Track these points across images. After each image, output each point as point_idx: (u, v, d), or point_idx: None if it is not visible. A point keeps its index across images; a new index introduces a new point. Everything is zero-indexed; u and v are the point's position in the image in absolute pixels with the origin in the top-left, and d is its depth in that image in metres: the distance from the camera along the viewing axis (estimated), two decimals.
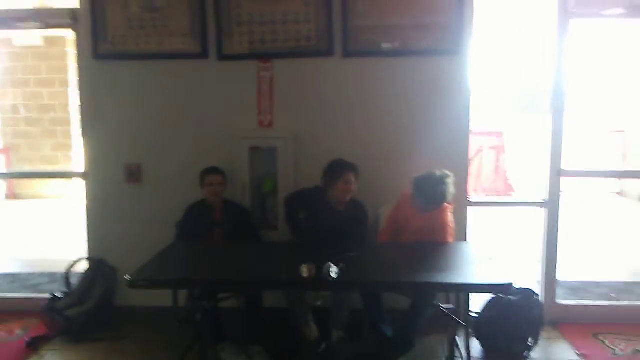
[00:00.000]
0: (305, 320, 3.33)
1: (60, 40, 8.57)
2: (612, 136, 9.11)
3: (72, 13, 3.75)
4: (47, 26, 4.00)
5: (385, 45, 3.64)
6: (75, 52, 3.88)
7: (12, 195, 8.86)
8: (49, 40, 8.60)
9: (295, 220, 3.46)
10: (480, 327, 3.46)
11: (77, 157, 8.85)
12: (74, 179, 7.83)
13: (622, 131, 8.99)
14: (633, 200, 8.35)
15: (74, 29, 3.82)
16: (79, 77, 3.89)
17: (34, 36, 8.40)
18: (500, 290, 2.70)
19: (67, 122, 8.88)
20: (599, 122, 9.12)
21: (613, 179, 8.45)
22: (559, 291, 3.90)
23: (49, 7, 3.99)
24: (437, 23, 3.60)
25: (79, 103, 3.91)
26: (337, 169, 3.34)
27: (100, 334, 3.63)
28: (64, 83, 8.75)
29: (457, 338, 3.20)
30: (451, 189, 3.19)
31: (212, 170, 3.51)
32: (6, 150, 8.84)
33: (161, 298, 3.00)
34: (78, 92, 3.91)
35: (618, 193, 8.74)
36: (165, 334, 3.22)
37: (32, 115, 8.89)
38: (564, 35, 3.60)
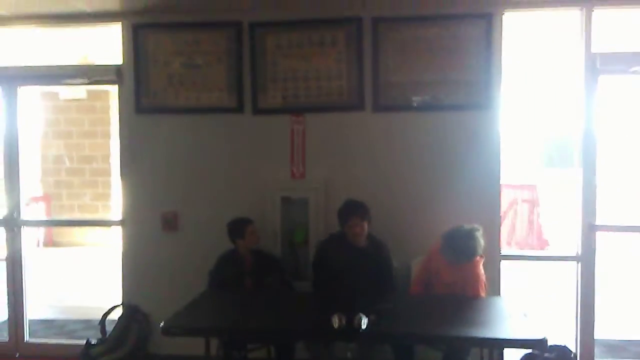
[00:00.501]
0: None
1: (104, 94, 8.96)
2: None
3: (117, 70, 3.98)
4: (93, 82, 4.22)
5: (415, 100, 3.74)
6: (118, 105, 4.08)
7: (51, 243, 9.09)
8: (92, 94, 8.99)
9: (320, 268, 3.50)
10: None
11: (115, 207, 9.10)
12: (112, 227, 8.15)
13: None
14: None
15: (118, 84, 4.04)
16: (121, 129, 4.08)
17: (79, 90, 8.79)
18: (535, 345, 2.63)
19: (107, 172, 9.18)
20: (634, 175, 8.96)
21: None
22: (596, 350, 3.79)
23: (95, 64, 4.21)
24: (466, 78, 3.69)
25: (119, 153, 4.08)
26: (343, 213, 3.44)
27: None
28: (106, 135, 9.09)
29: None
30: (481, 242, 3.20)
31: (249, 221, 3.58)
32: (46, 198, 9.14)
33: (193, 347, 3.06)
34: (119, 143, 4.08)
35: None
36: None
37: (74, 166, 9.22)
38: (592, 91, 3.65)
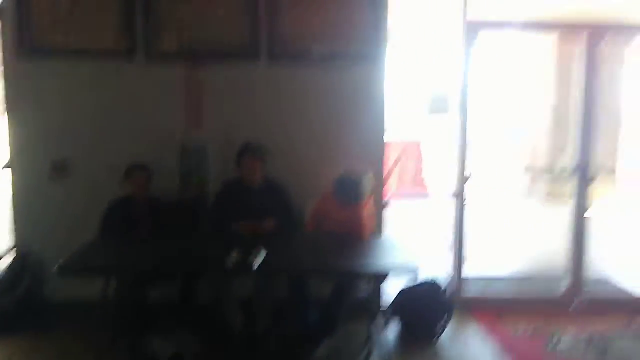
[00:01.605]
0: (230, 310, 3.49)
1: None
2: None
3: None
4: None
5: (307, 51, 3.91)
6: (1, 46, 3.86)
7: None
8: None
9: (218, 210, 3.67)
10: (394, 314, 3.81)
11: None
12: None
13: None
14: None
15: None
16: (5, 72, 3.88)
17: None
18: (407, 271, 3.01)
19: None
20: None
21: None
22: (466, 285, 4.30)
23: None
24: (354, 32, 3.90)
25: (4, 96, 3.91)
26: (238, 153, 3.64)
27: (28, 324, 3.68)
28: None
29: (375, 323, 3.50)
30: (368, 187, 3.52)
31: (139, 168, 3.64)
32: None
33: (90, 291, 3.17)
34: (4, 87, 3.90)
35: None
36: (94, 326, 3.35)
37: None
38: (469, 53, 4.02)
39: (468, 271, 4.28)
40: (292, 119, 3.96)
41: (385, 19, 3.91)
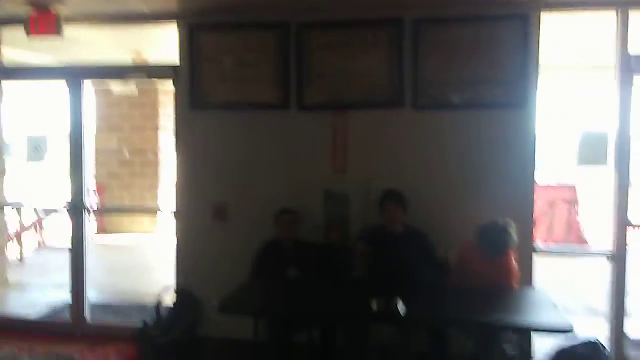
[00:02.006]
0: (369, 357, 3.47)
1: (153, 91, 9.39)
2: None
3: (174, 68, 4.27)
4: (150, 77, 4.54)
5: (453, 98, 3.89)
6: (174, 101, 4.36)
7: (102, 229, 9.56)
8: (142, 91, 9.41)
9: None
10: None
11: (162, 197, 9.54)
12: (161, 216, 8.60)
13: None
14: None
15: (173, 80, 4.32)
16: (176, 124, 4.36)
17: (130, 87, 9.23)
18: (561, 331, 2.78)
19: (155, 164, 9.61)
20: None
21: None
22: (630, 348, 3.89)
23: (153, 63, 4.51)
24: (502, 78, 3.82)
25: (174, 147, 4.37)
26: (380, 199, 3.69)
27: (186, 358, 3.99)
28: (155, 129, 9.53)
29: None
30: (514, 237, 3.35)
31: (286, 211, 3.83)
32: (100, 189, 9.61)
33: (239, 330, 3.37)
34: (174, 137, 4.37)
35: None
36: None
37: (125, 158, 9.69)
38: (627, 90, 3.74)
39: (631, 331, 3.86)
40: (435, 165, 3.95)
41: (536, 61, 3.79)
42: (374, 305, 2.85)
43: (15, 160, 9.45)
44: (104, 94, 9.37)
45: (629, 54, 3.72)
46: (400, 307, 2.83)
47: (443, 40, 3.90)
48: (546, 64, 3.87)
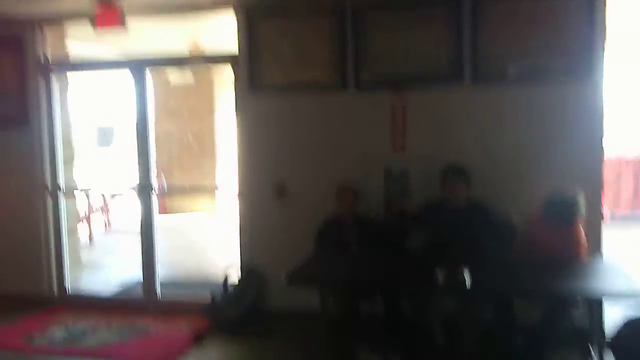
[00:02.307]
0: (433, 328, 3.51)
1: (209, 80, 9.68)
2: None
3: (233, 54, 4.38)
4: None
5: (515, 71, 3.82)
6: (234, 85, 4.47)
7: (164, 210, 9.89)
8: (199, 79, 9.67)
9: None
10: (616, 348, 3.45)
11: (220, 178, 9.81)
12: (220, 196, 8.83)
13: None
14: None
15: (233, 66, 4.44)
16: (236, 108, 4.47)
17: (187, 76, 9.49)
18: (633, 295, 2.74)
19: (212, 148, 9.87)
20: None
21: None
22: None
23: (213, 50, 4.64)
24: (567, 47, 3.73)
25: (236, 129, 4.48)
26: (443, 175, 3.68)
27: (253, 330, 4.15)
28: (211, 114, 9.77)
29: (591, 354, 3.25)
30: (581, 206, 3.28)
31: (346, 189, 3.90)
32: (160, 172, 9.94)
33: (305, 302, 3.46)
34: (235, 120, 4.49)
35: None
36: (309, 333, 3.63)
37: (183, 143, 9.98)
38: None
39: None
40: (497, 140, 3.91)
41: (603, 29, 3.67)
42: (440, 277, 2.88)
43: (84, 148, 9.90)
44: (162, 84, 9.65)
45: None
46: (467, 278, 2.85)
47: (503, 12, 3.83)
48: (614, 32, 3.72)
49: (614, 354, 3.42)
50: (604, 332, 3.14)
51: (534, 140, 3.84)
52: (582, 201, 3.28)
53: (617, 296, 2.86)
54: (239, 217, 4.53)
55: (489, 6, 3.84)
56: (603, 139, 3.75)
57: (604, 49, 3.68)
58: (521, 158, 3.86)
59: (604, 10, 3.66)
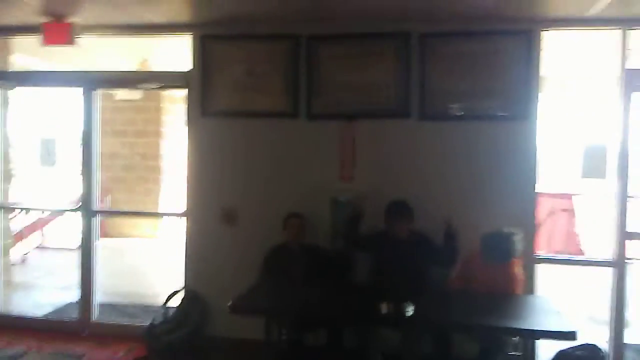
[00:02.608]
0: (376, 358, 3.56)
1: (156, 95, 9.45)
2: None
3: (185, 76, 4.37)
4: (162, 87, 4.63)
5: (458, 110, 4.01)
6: (186, 109, 4.46)
7: (104, 234, 9.58)
8: (146, 95, 9.46)
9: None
10: None
11: (164, 202, 9.59)
12: (163, 220, 8.64)
13: None
14: None
15: (186, 89, 4.42)
16: (188, 131, 4.45)
17: (134, 91, 9.30)
18: (566, 337, 2.87)
19: (158, 170, 9.68)
20: None
21: None
22: (627, 353, 3.99)
23: (165, 70, 4.60)
24: (505, 91, 3.95)
25: (186, 152, 4.46)
26: (388, 212, 3.75)
27: (194, 357, 4.08)
28: (158, 134, 9.61)
29: None
30: (517, 245, 3.45)
31: (294, 215, 3.93)
32: (103, 192, 9.66)
33: (247, 331, 3.50)
34: (186, 143, 4.46)
35: None
36: None
37: (127, 162, 9.74)
38: (627, 105, 3.88)
39: (630, 338, 3.98)
40: (440, 175, 4.06)
41: (537, 74, 3.91)
42: (384, 309, 2.95)
43: (25, 164, 9.51)
44: (106, 98, 9.43)
45: (628, 70, 3.86)
46: (409, 311, 2.93)
47: (448, 53, 4.02)
48: (548, 76, 3.98)
49: None
50: None
51: (473, 177, 4.01)
52: (517, 239, 3.45)
53: (552, 336, 3.00)
54: (185, 241, 4.48)
55: (436, 44, 4.02)
56: (536, 181, 3.96)
57: (538, 90, 3.91)
58: (462, 194, 4.02)
59: (538, 56, 3.91)
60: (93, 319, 4.71)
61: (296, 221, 3.93)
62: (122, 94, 9.43)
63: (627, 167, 3.90)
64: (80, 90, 4.63)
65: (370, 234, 3.89)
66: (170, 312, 4.32)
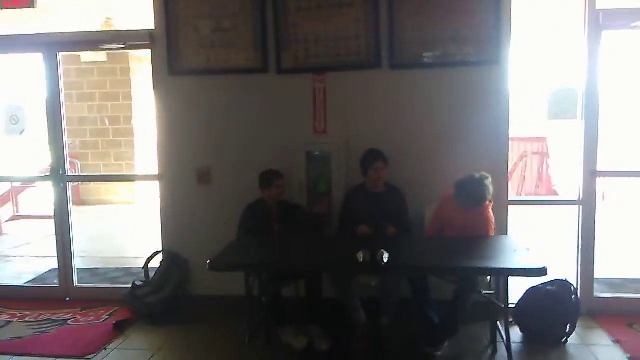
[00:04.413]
0: (354, 306, 3.65)
1: (123, 57, 9.22)
2: None
3: (150, 35, 4.25)
4: (128, 47, 4.49)
5: (428, 57, 4.00)
6: (152, 68, 4.35)
7: (79, 202, 9.51)
8: (112, 57, 9.25)
9: (345, 215, 3.87)
10: (520, 314, 3.79)
11: (138, 166, 9.48)
12: (143, 184, 8.54)
13: None
14: None
15: (151, 48, 4.31)
16: (155, 91, 4.36)
17: (100, 53, 9.05)
18: (536, 274, 2.98)
19: (130, 133, 9.53)
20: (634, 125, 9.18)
21: None
22: (596, 286, 4.15)
23: (129, 29, 4.45)
24: (476, 36, 3.93)
25: (155, 114, 4.38)
26: (367, 159, 3.80)
27: (177, 316, 4.12)
28: (127, 97, 9.41)
29: (498, 324, 3.52)
30: (490, 189, 3.51)
31: (278, 174, 3.89)
32: (74, 158, 9.52)
33: (228, 287, 3.56)
34: (154, 104, 4.38)
35: None
36: (233, 318, 3.69)
37: (98, 127, 9.56)
38: (596, 46, 3.90)
39: (598, 273, 4.14)
40: (413, 123, 4.07)
41: (509, 20, 3.89)
42: (360, 257, 3.00)
43: None
44: (72, 61, 9.19)
45: (596, 9, 3.85)
46: (385, 258, 2.98)
47: (418, 1, 3.96)
48: (518, 22, 3.96)
49: (516, 321, 3.74)
50: (508, 304, 3.39)
51: (446, 124, 4.03)
52: (490, 183, 3.50)
53: (523, 273, 3.10)
54: (160, 203, 4.46)
55: None
56: (509, 125, 3.99)
57: (510, 35, 3.90)
58: (434, 141, 4.05)
59: (510, 2, 3.87)
60: (75, 284, 4.70)
61: (281, 181, 3.88)
62: (87, 56, 9.21)
63: (597, 106, 3.95)
64: (42, 54, 4.47)
65: (348, 190, 3.92)
66: (151, 274, 4.34)
